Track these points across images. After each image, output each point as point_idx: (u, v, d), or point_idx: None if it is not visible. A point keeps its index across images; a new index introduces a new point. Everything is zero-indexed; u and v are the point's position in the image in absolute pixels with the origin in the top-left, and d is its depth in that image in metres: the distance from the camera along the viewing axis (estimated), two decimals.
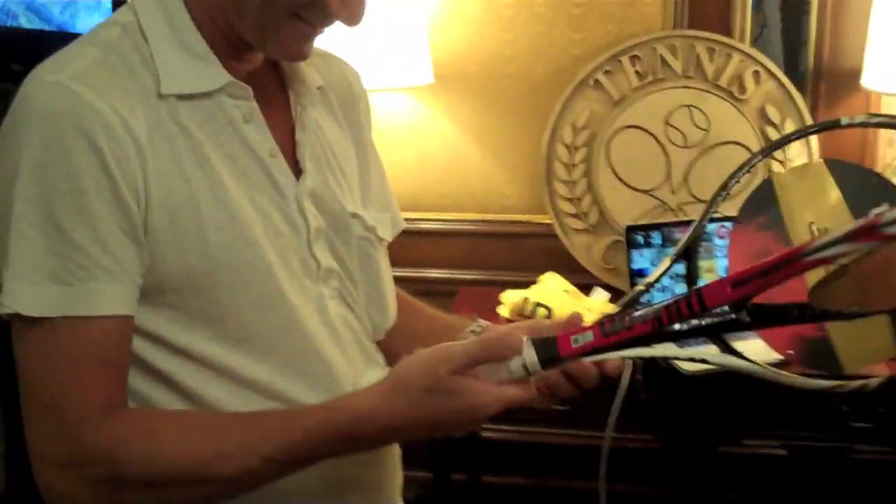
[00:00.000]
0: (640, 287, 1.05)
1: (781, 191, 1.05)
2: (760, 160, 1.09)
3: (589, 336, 0.94)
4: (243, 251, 0.98)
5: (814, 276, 0.83)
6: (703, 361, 0.94)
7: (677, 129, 2.52)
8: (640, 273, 2.29)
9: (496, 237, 2.73)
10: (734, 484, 2.74)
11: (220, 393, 0.99)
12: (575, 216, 2.58)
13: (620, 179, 2.55)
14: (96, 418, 0.91)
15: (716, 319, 0.92)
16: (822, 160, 1.09)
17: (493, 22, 2.61)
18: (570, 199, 2.58)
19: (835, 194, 1.06)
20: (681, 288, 2.23)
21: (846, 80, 2.46)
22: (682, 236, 2.29)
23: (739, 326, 0.91)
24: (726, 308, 0.91)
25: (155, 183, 0.93)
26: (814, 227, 1.05)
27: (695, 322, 0.92)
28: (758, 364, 0.94)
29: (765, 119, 2.49)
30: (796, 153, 2.48)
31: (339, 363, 1.05)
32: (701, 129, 2.51)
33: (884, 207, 1.03)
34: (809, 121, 2.47)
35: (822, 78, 2.51)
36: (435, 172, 2.71)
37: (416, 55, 2.46)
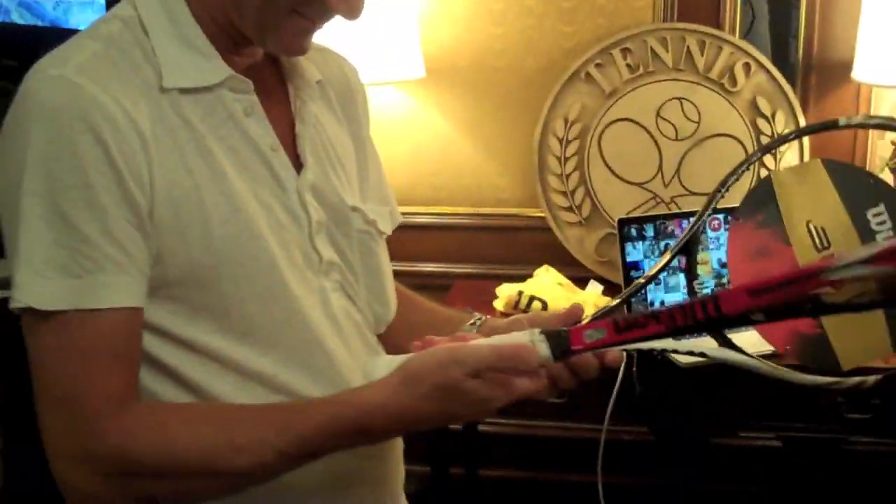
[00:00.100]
0: (640, 280, 1.06)
1: (780, 189, 1.07)
2: (760, 157, 1.10)
3: (602, 333, 0.95)
4: (247, 244, 0.98)
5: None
6: (703, 355, 0.95)
7: (669, 121, 2.53)
8: (634, 265, 2.30)
9: (490, 231, 2.74)
10: (729, 475, 2.75)
11: (225, 386, 0.99)
12: (568, 209, 2.59)
13: (613, 172, 2.56)
14: (109, 411, 0.91)
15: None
16: (819, 160, 1.10)
17: (483, 16, 2.61)
18: (562, 193, 2.58)
19: (832, 194, 1.07)
20: (674, 280, 2.24)
21: (837, 72, 2.47)
22: (675, 228, 2.31)
23: (751, 322, 0.92)
24: None
25: (159, 176, 0.94)
26: (811, 226, 1.06)
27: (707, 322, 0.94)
28: (757, 359, 0.95)
29: (755, 111, 2.50)
30: (787, 146, 2.49)
31: (342, 355, 1.06)
32: (692, 121, 2.53)
33: (880, 208, 1.04)
34: (800, 113, 2.48)
35: (812, 70, 2.52)
36: (428, 166, 2.71)
37: (407, 49, 2.46)
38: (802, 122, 2.48)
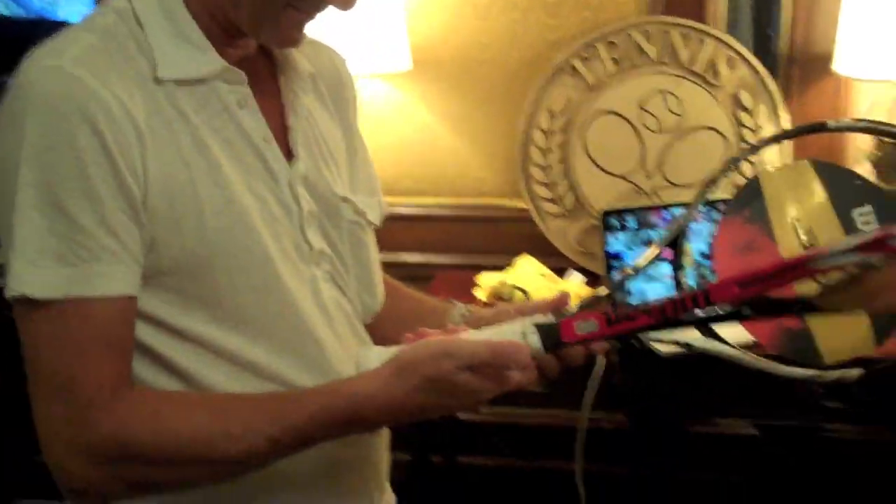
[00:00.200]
0: (628, 271, 1.08)
1: (768, 187, 1.08)
2: (751, 155, 1.12)
3: (593, 325, 0.97)
4: (241, 235, 0.99)
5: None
6: (688, 346, 0.97)
7: (652, 114, 2.55)
8: (616, 257, 2.32)
9: (473, 222, 2.75)
10: (706, 464, 2.78)
11: (218, 375, 1.00)
12: (551, 201, 2.60)
13: (596, 164, 2.57)
14: (104, 399, 0.92)
15: (718, 311, 0.95)
16: (808, 161, 1.12)
17: (468, 9, 2.62)
18: (546, 184, 2.60)
19: (820, 194, 1.09)
20: (655, 270, 2.26)
21: (818, 65, 2.49)
22: (657, 220, 2.33)
23: (740, 317, 0.94)
24: None
25: (154, 167, 0.94)
26: (798, 224, 1.08)
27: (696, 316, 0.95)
28: (741, 351, 0.96)
29: (738, 104, 2.52)
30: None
31: (332, 345, 1.07)
32: (675, 114, 2.54)
33: (867, 208, 1.06)
34: (782, 106, 2.50)
35: (794, 63, 2.54)
36: (412, 157, 2.72)
37: (394, 42, 2.47)
38: (784, 116, 2.50)
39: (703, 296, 0.93)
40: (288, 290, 1.03)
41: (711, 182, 1.09)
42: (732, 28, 2.55)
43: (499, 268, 2.42)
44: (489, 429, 2.83)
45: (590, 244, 2.56)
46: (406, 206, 2.71)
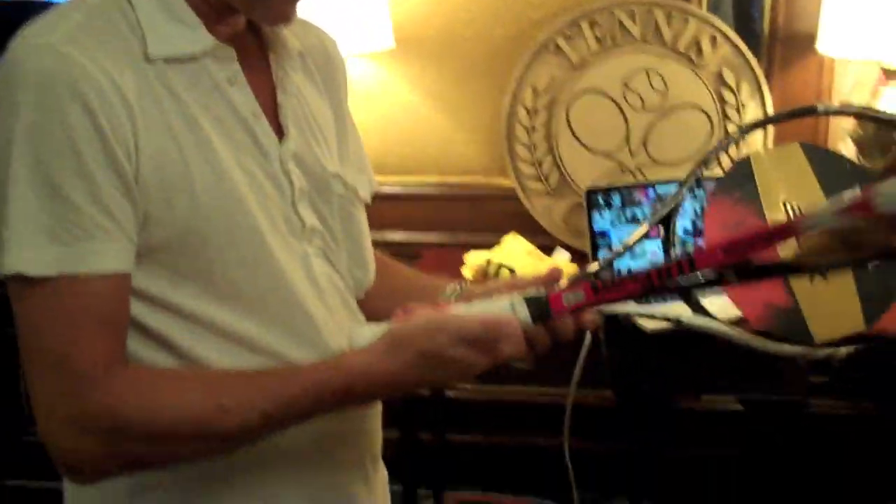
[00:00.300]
0: (618, 249, 1.09)
1: (759, 169, 1.10)
2: (741, 137, 1.13)
3: (580, 295, 0.99)
4: (232, 211, 1.00)
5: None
6: (678, 322, 0.98)
7: (636, 92, 2.56)
8: (601, 234, 2.33)
9: (458, 200, 2.75)
10: (692, 439, 2.80)
11: (211, 350, 1.01)
12: (536, 179, 2.61)
13: (580, 142, 2.58)
14: (99, 375, 0.93)
15: (703, 278, 0.96)
16: (798, 144, 1.13)
17: None
18: (530, 162, 2.61)
19: (810, 177, 1.10)
20: (640, 248, 2.27)
21: (801, 44, 2.51)
22: (641, 197, 2.34)
23: (724, 283, 0.95)
24: None
25: (146, 144, 0.95)
26: (788, 204, 1.09)
27: (682, 283, 0.96)
28: (730, 327, 0.97)
29: (721, 83, 2.53)
30: (752, 117, 2.53)
31: (324, 319, 1.08)
32: (659, 92, 2.55)
33: (856, 191, 1.08)
34: (765, 85, 2.52)
35: (777, 42, 2.55)
36: (396, 136, 2.72)
37: (376, 20, 2.47)
38: (767, 95, 2.52)
39: (689, 262, 0.94)
40: (279, 265, 1.04)
41: (704, 162, 1.10)
42: (715, 7, 2.56)
43: (485, 246, 2.43)
44: (477, 406, 2.85)
45: (576, 222, 2.57)
46: (391, 184, 2.71)
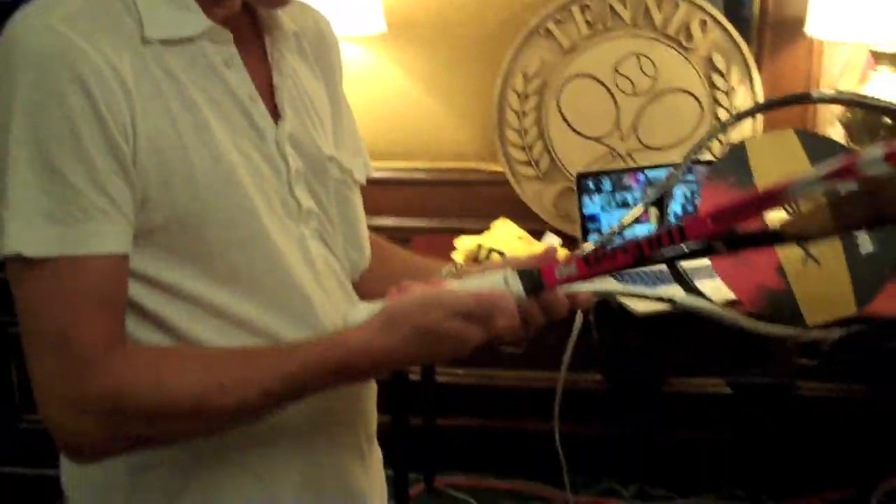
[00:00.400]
0: (613, 229, 1.09)
1: (753, 154, 1.10)
2: (734, 124, 1.13)
3: (573, 268, 0.99)
4: (230, 192, 1.00)
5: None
6: (671, 302, 0.98)
7: (626, 77, 2.56)
8: (591, 218, 2.34)
9: (449, 185, 2.76)
10: (682, 422, 2.82)
11: (208, 331, 1.01)
12: (526, 163, 2.61)
13: (571, 127, 2.59)
14: (100, 355, 0.93)
15: (692, 247, 0.96)
16: (792, 130, 1.13)
17: None
18: (521, 147, 2.61)
19: (803, 162, 1.11)
20: (630, 232, 2.28)
21: (791, 28, 2.51)
22: (631, 182, 2.35)
23: (713, 252, 0.95)
24: None
25: (143, 126, 0.95)
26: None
27: (671, 253, 0.97)
28: (722, 308, 0.98)
29: (711, 67, 2.53)
30: (742, 101, 2.54)
31: (321, 300, 1.09)
32: (649, 77, 2.56)
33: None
34: (755, 69, 2.52)
35: (766, 26, 2.56)
36: (387, 121, 2.72)
37: (367, 3, 2.46)
38: (757, 79, 2.52)
39: (679, 231, 0.94)
40: (276, 246, 1.04)
41: (699, 146, 1.10)
42: None
43: (476, 231, 2.44)
44: (467, 391, 2.86)
45: (566, 206, 2.58)
46: (382, 169, 2.71)
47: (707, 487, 2.78)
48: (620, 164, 2.54)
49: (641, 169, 2.40)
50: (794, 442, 2.80)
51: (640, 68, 2.55)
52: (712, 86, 2.54)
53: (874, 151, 0.80)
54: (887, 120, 2.24)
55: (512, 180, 2.62)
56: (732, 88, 2.53)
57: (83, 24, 0.93)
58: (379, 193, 2.70)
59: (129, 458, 1.02)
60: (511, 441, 2.86)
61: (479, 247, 2.35)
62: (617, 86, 2.56)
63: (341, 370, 0.98)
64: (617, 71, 2.56)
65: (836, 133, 2.34)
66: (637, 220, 1.13)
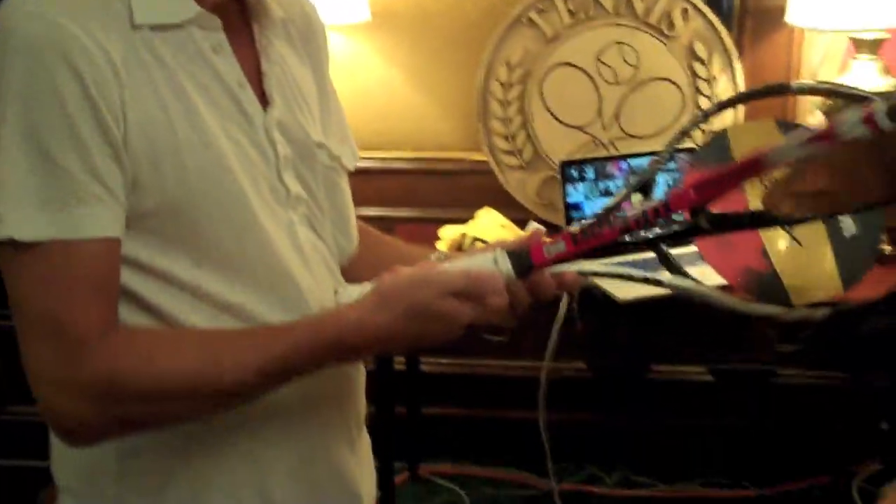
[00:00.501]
0: (598, 212, 1.10)
1: (735, 141, 1.11)
2: (715, 113, 1.14)
3: (561, 246, 1.00)
4: (219, 177, 1.00)
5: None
6: (658, 283, 0.99)
7: (608, 66, 2.57)
8: (575, 207, 2.35)
9: (432, 175, 2.76)
10: (665, 410, 2.84)
11: (198, 317, 1.01)
12: (510, 153, 2.62)
13: (554, 116, 2.60)
14: (95, 338, 0.93)
15: (677, 227, 0.97)
16: (773, 120, 1.15)
17: None
18: (504, 136, 2.62)
19: None
20: None
21: (771, 17, 2.53)
22: (614, 170, 2.36)
23: (700, 232, 0.96)
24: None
25: (134, 110, 0.95)
26: (763, 180, 1.11)
27: (658, 232, 0.97)
28: (708, 288, 0.98)
29: (693, 55, 2.54)
30: (723, 90, 2.55)
31: (310, 286, 1.09)
32: (631, 65, 2.57)
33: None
34: (736, 58, 2.53)
35: (747, 14, 2.57)
36: (370, 111, 2.72)
37: None
38: (738, 67, 2.54)
39: (664, 206, 0.95)
40: (266, 232, 1.05)
41: (681, 135, 1.11)
42: None
43: (459, 221, 2.44)
44: (451, 380, 2.87)
45: (549, 195, 2.59)
46: (365, 159, 2.69)
47: (690, 475, 2.80)
48: (603, 153, 2.55)
49: (624, 157, 2.41)
50: (776, 429, 2.82)
51: (623, 57, 2.56)
52: (694, 74, 2.55)
53: (853, 115, 0.81)
54: None
55: (495, 169, 2.62)
56: (714, 77, 2.54)
57: (73, 9, 0.94)
58: (362, 184, 2.66)
59: (118, 443, 1.02)
60: (495, 429, 2.87)
61: (463, 236, 2.35)
62: (599, 74, 2.57)
63: (334, 348, 0.99)
64: (599, 60, 2.56)
65: (816, 121, 2.36)
66: (618, 209, 1.14)
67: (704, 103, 2.55)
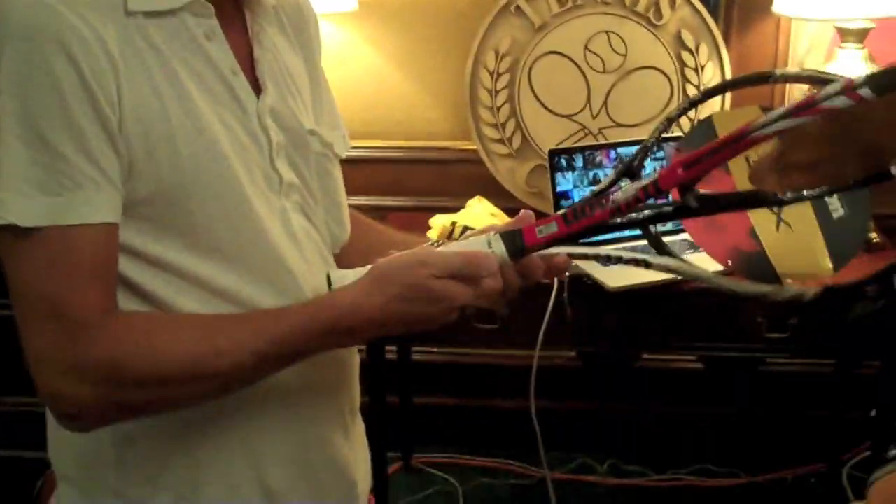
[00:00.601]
0: (588, 196, 1.10)
1: (721, 129, 1.11)
2: (701, 101, 1.14)
3: (553, 227, 1.01)
4: (213, 163, 1.01)
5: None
6: (646, 263, 1.00)
7: (596, 54, 2.57)
8: (564, 195, 2.35)
9: (422, 164, 2.76)
10: (655, 399, 2.85)
11: (192, 303, 1.02)
12: (499, 141, 2.62)
13: (543, 105, 2.60)
14: (95, 322, 0.94)
15: (666, 208, 0.98)
16: (758, 107, 1.15)
17: None
18: (494, 125, 2.62)
19: None
20: None
21: (758, 5, 2.54)
22: (603, 158, 2.36)
23: (689, 212, 0.96)
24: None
25: (128, 95, 0.95)
26: (750, 159, 1.12)
27: (648, 213, 0.98)
28: (698, 268, 0.99)
29: (680, 44, 2.55)
30: (710, 78, 2.56)
31: (303, 272, 1.10)
32: (619, 54, 2.57)
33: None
34: (723, 46, 2.54)
35: (734, 3, 2.58)
36: (360, 100, 2.72)
37: None
38: (725, 56, 2.54)
39: (654, 184, 0.96)
40: (259, 218, 1.05)
41: (669, 122, 1.11)
42: None
43: (450, 210, 2.44)
44: (443, 369, 2.88)
45: (539, 184, 2.59)
46: (355, 148, 2.69)
47: (680, 462, 2.81)
48: (592, 142, 2.56)
49: (613, 146, 2.42)
50: (766, 417, 2.84)
51: (611, 46, 2.57)
52: (682, 63, 2.56)
53: (833, 85, 0.82)
54: None
55: (485, 158, 2.63)
56: (701, 66, 2.55)
57: None
58: (352, 172, 2.67)
59: (115, 429, 1.03)
60: (487, 418, 2.88)
61: (454, 224, 2.36)
62: (588, 63, 2.57)
63: (330, 331, 0.99)
64: (587, 48, 2.57)
65: None
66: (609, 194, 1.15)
67: (692, 92, 2.55)
